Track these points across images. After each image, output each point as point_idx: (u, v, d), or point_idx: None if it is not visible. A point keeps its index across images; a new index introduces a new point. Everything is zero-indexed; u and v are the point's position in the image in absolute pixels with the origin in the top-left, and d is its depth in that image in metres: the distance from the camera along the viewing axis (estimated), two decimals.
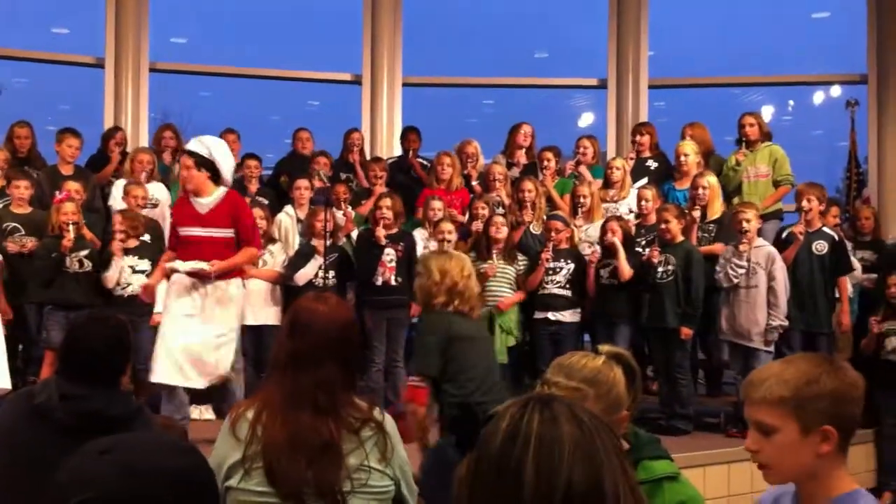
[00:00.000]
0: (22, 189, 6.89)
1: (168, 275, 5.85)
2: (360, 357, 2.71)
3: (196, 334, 5.72)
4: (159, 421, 4.35)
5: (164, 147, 8.42)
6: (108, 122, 9.66)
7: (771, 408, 1.93)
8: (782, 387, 1.92)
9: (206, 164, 5.73)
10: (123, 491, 1.29)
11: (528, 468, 1.30)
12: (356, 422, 2.53)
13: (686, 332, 6.75)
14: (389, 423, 2.62)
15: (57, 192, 7.04)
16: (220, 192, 5.78)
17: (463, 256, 4.56)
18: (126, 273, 6.70)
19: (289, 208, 7.69)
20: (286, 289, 7.13)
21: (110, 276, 6.67)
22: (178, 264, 5.69)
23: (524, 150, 8.45)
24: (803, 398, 1.91)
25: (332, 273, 7.07)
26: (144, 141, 9.69)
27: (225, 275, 5.76)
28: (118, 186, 7.51)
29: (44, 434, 2.98)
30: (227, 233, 5.76)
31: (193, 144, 5.85)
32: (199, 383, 5.83)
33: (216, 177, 5.77)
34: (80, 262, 6.66)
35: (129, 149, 8.55)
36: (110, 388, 3.12)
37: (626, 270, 6.88)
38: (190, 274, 5.68)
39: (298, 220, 7.63)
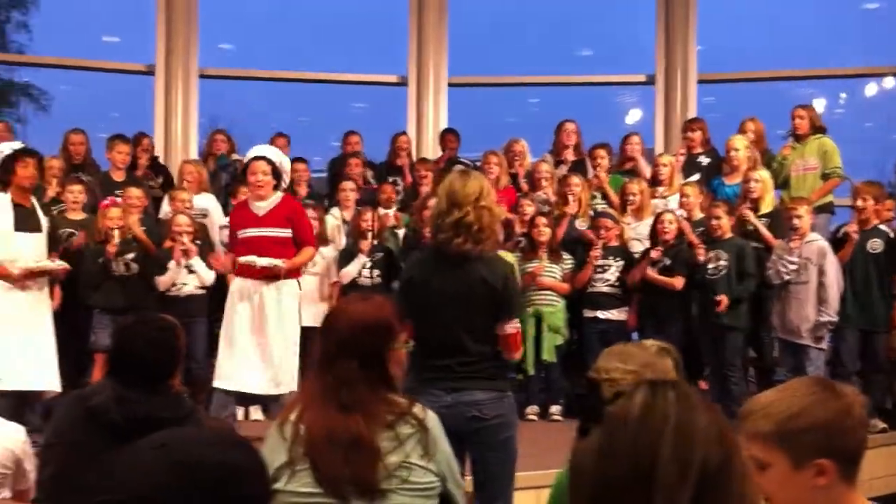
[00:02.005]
0: (76, 194, 7.01)
1: (237, 270, 6.09)
2: (387, 355, 2.67)
3: (258, 342, 5.96)
4: (210, 423, 4.42)
5: (216, 151, 8.53)
6: (159, 129, 9.81)
7: (759, 442, 1.82)
8: (766, 421, 1.80)
9: (275, 172, 6.08)
10: (177, 484, 1.31)
11: (666, 447, 1.32)
12: (391, 417, 2.54)
13: (723, 300, 6.63)
14: (432, 418, 2.63)
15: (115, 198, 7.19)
16: (277, 195, 6.10)
17: (509, 257, 4.56)
18: (182, 273, 6.82)
19: (335, 210, 7.75)
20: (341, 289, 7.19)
21: (165, 280, 6.77)
22: (255, 259, 5.91)
23: (571, 148, 8.41)
24: (789, 432, 1.78)
25: (377, 272, 7.11)
26: (195, 147, 9.82)
27: (287, 275, 6.04)
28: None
29: (99, 436, 3.03)
30: (285, 233, 6.03)
31: (266, 152, 6.19)
32: (261, 389, 6.02)
33: (277, 184, 6.13)
34: (127, 266, 6.75)
35: (158, 153, 8.74)
36: (162, 391, 3.17)
37: (679, 281, 6.83)
38: (261, 270, 5.91)
39: (344, 222, 7.70)
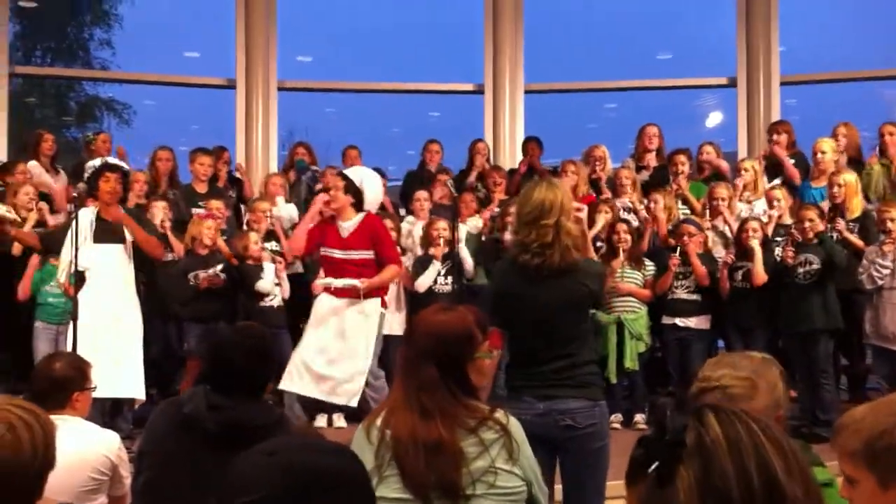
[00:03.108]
0: (160, 209, 7.15)
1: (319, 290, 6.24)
2: (466, 362, 2.71)
3: (330, 353, 6.07)
4: (297, 429, 4.45)
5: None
6: (240, 142, 9.98)
7: (848, 458, 1.79)
8: (856, 438, 1.78)
9: (354, 191, 6.13)
10: (290, 491, 1.34)
11: (771, 466, 1.29)
12: (472, 421, 2.57)
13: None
14: (514, 424, 2.65)
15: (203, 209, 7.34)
16: (360, 215, 6.17)
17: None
18: (271, 284, 6.95)
19: (409, 218, 7.76)
20: (410, 298, 7.22)
21: (265, 286, 6.90)
22: (332, 280, 6.05)
23: (654, 153, 8.30)
24: (876, 451, 1.74)
25: (450, 279, 7.12)
26: (275, 158, 9.97)
27: (368, 294, 6.13)
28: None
29: (192, 443, 3.06)
30: (367, 254, 6.12)
31: (350, 170, 6.39)
32: (319, 395, 6.16)
33: (359, 204, 6.16)
34: (217, 275, 6.86)
35: (234, 167, 8.87)
36: (254, 399, 3.19)
37: (761, 275, 6.67)
38: (340, 290, 6.02)
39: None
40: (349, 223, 6.12)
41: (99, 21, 15.18)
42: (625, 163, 8.36)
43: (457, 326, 2.72)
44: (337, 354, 6.12)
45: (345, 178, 6.16)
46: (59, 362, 3.56)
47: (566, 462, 3.65)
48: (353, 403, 6.12)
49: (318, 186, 7.75)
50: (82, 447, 3.38)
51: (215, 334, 3.28)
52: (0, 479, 1.82)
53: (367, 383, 6.17)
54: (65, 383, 3.46)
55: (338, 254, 6.08)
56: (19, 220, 6.66)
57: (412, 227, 7.69)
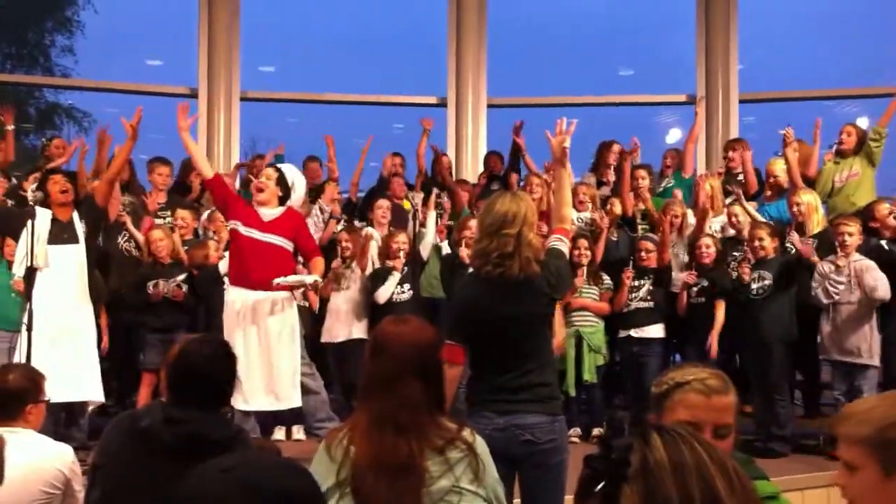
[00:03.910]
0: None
1: (235, 280, 5.98)
2: (442, 378, 2.70)
3: (265, 357, 5.87)
4: (255, 443, 4.42)
5: (256, 175, 8.59)
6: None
7: (853, 446, 1.86)
8: (865, 426, 1.85)
9: (284, 185, 6.06)
10: None
11: (713, 485, 1.33)
12: (441, 441, 2.53)
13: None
14: (480, 443, 2.62)
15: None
16: (283, 208, 6.07)
17: None
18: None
19: (370, 229, 7.76)
20: (371, 307, 7.19)
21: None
22: (282, 278, 5.79)
23: (613, 169, 8.38)
24: (885, 440, 1.83)
25: (407, 285, 7.13)
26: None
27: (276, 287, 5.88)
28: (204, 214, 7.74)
29: (148, 456, 3.02)
30: (285, 243, 5.96)
31: (284, 166, 6.26)
32: (265, 406, 5.96)
33: (284, 199, 6.08)
34: (178, 286, 6.81)
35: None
36: (213, 412, 3.17)
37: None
38: (260, 283, 5.81)
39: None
40: (272, 211, 6.00)
41: (60, 28, 15.07)
42: (584, 177, 8.43)
43: (431, 337, 2.69)
44: (267, 359, 5.87)
45: (278, 171, 6.11)
46: (12, 374, 3.51)
47: (526, 477, 3.64)
48: (298, 403, 6.03)
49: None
50: (34, 460, 3.34)
51: (181, 344, 3.24)
52: None
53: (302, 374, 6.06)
54: (18, 395, 3.41)
55: (257, 234, 5.90)
56: None
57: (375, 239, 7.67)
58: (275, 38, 13.02)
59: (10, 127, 7.86)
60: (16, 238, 5.91)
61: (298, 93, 11.43)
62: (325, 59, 13.82)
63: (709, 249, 6.97)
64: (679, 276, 7.11)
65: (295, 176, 6.20)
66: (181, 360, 3.17)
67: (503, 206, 3.68)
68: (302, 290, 6.06)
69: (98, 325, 6.34)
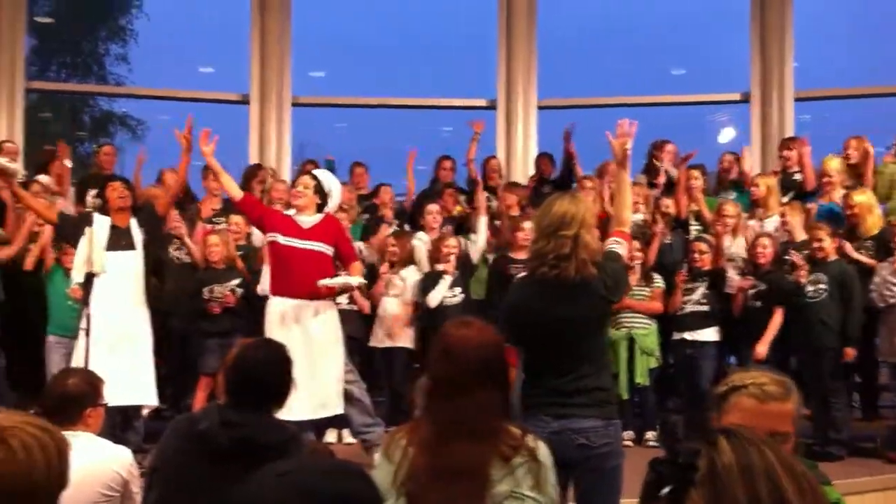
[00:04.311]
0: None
1: (278, 289, 5.99)
2: (509, 381, 2.68)
3: (309, 365, 5.78)
4: (309, 446, 4.44)
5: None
6: (254, 158, 9.98)
7: None
8: None
9: (322, 193, 6.10)
10: None
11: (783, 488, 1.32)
12: (509, 448, 2.51)
13: (850, 353, 6.47)
14: (543, 449, 2.60)
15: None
16: (321, 215, 6.11)
17: None
18: None
19: (421, 234, 7.76)
20: (421, 313, 7.20)
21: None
22: (327, 280, 5.86)
23: (664, 169, 8.29)
24: None
25: (458, 289, 7.12)
26: (287, 174, 9.97)
27: (321, 293, 5.93)
28: None
29: (204, 459, 3.06)
30: (326, 249, 5.99)
31: (319, 172, 6.34)
32: (308, 415, 5.86)
33: (321, 206, 6.12)
34: (233, 291, 6.87)
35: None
36: (267, 416, 3.20)
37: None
38: (310, 290, 5.85)
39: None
40: (311, 218, 6.04)
41: (114, 36, 15.30)
42: (636, 178, 8.34)
43: (498, 340, 2.66)
44: (311, 367, 5.78)
45: (315, 178, 6.15)
46: (72, 378, 3.57)
47: (581, 482, 3.60)
48: (341, 409, 6.06)
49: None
50: (94, 463, 3.38)
51: (239, 348, 3.28)
52: (13, 499, 1.81)
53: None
54: (78, 399, 3.46)
55: (297, 243, 5.94)
56: (21, 173, 6.56)
57: (424, 243, 7.68)
58: (325, 43, 13.09)
59: (68, 163, 7.98)
60: (75, 245, 6.00)
61: (349, 97, 11.49)
62: (374, 63, 13.87)
63: (765, 250, 6.86)
64: (734, 278, 7.02)
65: (332, 183, 6.24)
66: (239, 363, 3.21)
67: (561, 207, 3.65)
68: (348, 293, 6.10)
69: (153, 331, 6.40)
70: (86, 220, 5.83)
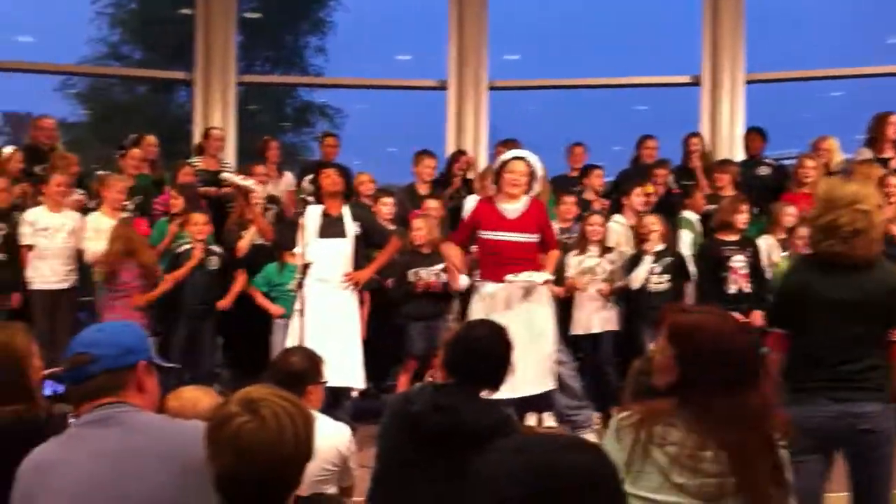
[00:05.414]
0: (388, 206, 7.38)
1: (488, 274, 6.02)
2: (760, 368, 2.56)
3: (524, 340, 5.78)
4: (522, 430, 4.41)
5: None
6: (451, 143, 10.06)
7: None
8: None
9: (531, 174, 6.04)
10: (540, 488, 1.35)
11: None
12: (768, 442, 2.42)
13: None
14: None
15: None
16: (526, 198, 6.02)
17: None
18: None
19: (618, 217, 7.55)
20: (625, 296, 7.05)
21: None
22: (512, 277, 5.85)
23: (892, 143, 7.73)
24: None
25: (666, 276, 6.89)
26: (484, 159, 9.99)
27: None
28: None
29: (416, 438, 3.11)
30: (533, 238, 5.96)
31: (527, 154, 6.18)
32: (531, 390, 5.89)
33: (528, 188, 6.07)
34: (437, 275, 6.92)
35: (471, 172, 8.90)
36: (481, 397, 3.18)
37: None
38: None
39: (633, 228, 7.52)
40: (516, 205, 5.97)
41: (314, 29, 15.84)
42: (859, 153, 7.82)
43: (740, 326, 2.63)
44: (525, 342, 5.86)
45: (529, 163, 6.04)
46: (295, 356, 3.68)
47: (855, 465, 3.51)
48: (553, 385, 5.98)
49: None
50: (318, 439, 3.45)
51: (460, 327, 3.29)
52: (265, 469, 1.84)
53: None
54: (301, 376, 3.56)
55: (503, 235, 5.92)
56: (256, 190, 6.80)
57: (622, 226, 7.48)
58: (520, 25, 13.03)
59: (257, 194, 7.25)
60: (294, 247, 6.28)
61: (544, 79, 11.38)
62: (568, 43, 13.71)
63: None
64: None
65: (538, 164, 6.15)
66: (459, 342, 3.22)
67: (851, 186, 3.55)
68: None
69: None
70: (295, 225, 6.14)
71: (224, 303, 7.01)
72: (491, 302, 5.95)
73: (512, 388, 5.69)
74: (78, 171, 7.94)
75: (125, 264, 6.70)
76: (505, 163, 6.09)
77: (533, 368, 5.81)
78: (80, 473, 2.13)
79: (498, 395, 5.73)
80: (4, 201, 7.08)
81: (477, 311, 5.97)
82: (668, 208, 7.70)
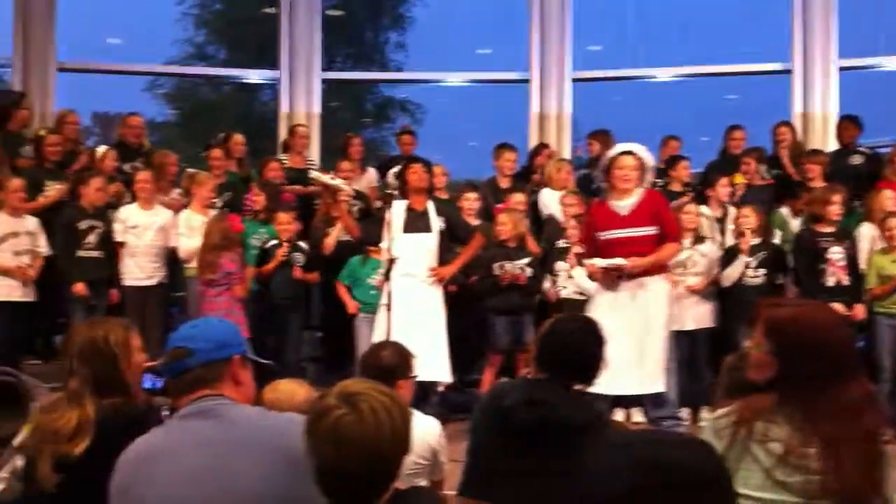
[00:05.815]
0: (472, 201, 7.39)
1: (591, 274, 5.87)
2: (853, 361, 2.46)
3: (629, 343, 5.63)
4: (614, 425, 4.35)
5: (590, 153, 8.58)
6: (533, 136, 10.03)
7: None
8: None
9: (642, 167, 5.83)
10: (649, 484, 1.34)
11: None
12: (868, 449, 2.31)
13: None
14: None
15: None
16: (639, 191, 5.80)
17: None
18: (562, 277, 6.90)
19: (704, 208, 7.39)
20: (718, 291, 6.91)
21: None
22: (597, 260, 5.69)
23: None
24: None
25: (762, 270, 6.71)
26: (566, 151, 9.92)
27: (646, 273, 5.68)
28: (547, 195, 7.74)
29: (506, 435, 3.08)
30: (650, 231, 5.71)
31: (635, 147, 5.93)
32: (634, 390, 5.76)
33: (640, 181, 5.85)
34: (522, 269, 6.89)
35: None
36: (575, 392, 3.15)
37: None
38: (607, 270, 5.65)
39: (718, 220, 7.43)
40: (629, 200, 5.75)
41: (394, 25, 15.91)
42: None
43: (838, 318, 2.57)
44: (638, 341, 5.67)
45: (638, 157, 5.82)
46: (385, 350, 3.68)
47: None
48: (663, 387, 5.85)
49: None
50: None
51: (553, 321, 3.26)
52: (363, 462, 1.84)
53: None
54: (392, 370, 3.55)
55: (617, 233, 5.70)
56: (345, 189, 6.73)
57: (708, 218, 7.33)
58: (603, 15, 12.87)
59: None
60: (379, 242, 6.36)
61: (630, 69, 11.23)
62: (650, 32, 13.50)
63: None
64: None
65: (647, 155, 5.94)
66: (552, 335, 3.18)
67: None
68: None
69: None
70: (380, 221, 6.19)
71: (267, 267, 7.08)
72: (610, 299, 5.76)
73: (624, 386, 5.63)
74: (176, 170, 8.10)
75: (224, 256, 6.79)
76: (613, 159, 5.86)
77: (644, 368, 5.70)
78: (184, 464, 2.16)
79: (598, 390, 5.71)
80: (100, 199, 7.25)
81: (596, 307, 5.75)
82: (761, 199, 7.52)
